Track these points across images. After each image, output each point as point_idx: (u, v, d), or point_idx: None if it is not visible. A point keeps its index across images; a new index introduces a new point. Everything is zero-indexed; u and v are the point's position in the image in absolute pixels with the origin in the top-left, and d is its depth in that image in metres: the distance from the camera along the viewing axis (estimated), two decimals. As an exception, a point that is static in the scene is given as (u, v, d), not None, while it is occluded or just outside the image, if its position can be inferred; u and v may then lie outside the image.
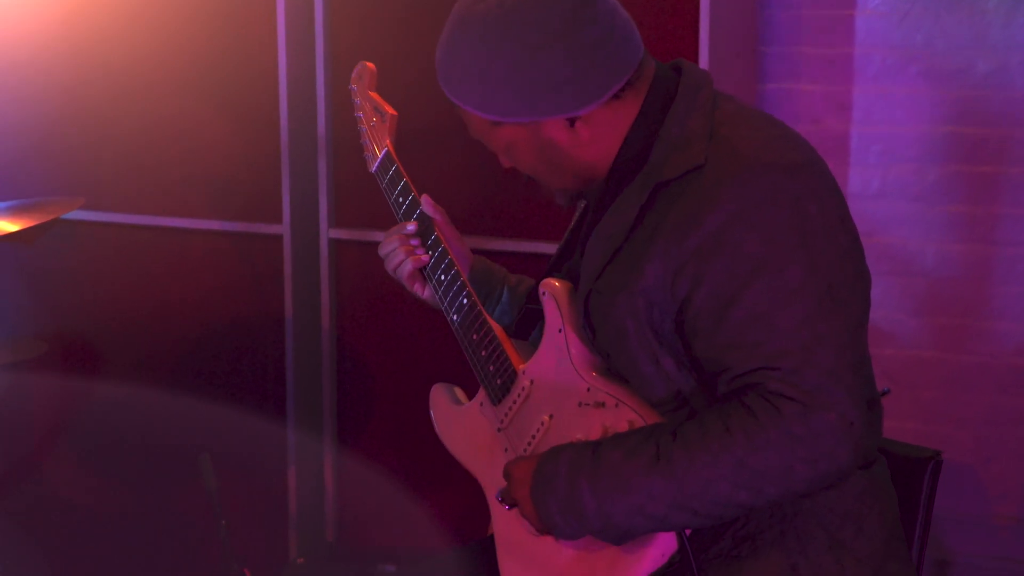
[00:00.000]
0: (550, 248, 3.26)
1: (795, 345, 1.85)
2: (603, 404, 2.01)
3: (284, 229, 3.50)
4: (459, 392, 2.31)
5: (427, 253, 2.26)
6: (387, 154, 2.32)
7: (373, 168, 2.35)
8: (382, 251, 2.32)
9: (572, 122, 1.99)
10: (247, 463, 3.61)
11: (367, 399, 3.54)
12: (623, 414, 1.98)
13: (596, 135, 2.01)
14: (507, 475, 2.07)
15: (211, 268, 3.62)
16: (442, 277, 2.23)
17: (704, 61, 3.07)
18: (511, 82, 1.95)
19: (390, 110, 2.32)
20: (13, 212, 2.94)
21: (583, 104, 1.97)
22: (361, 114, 2.37)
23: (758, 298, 1.86)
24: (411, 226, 2.28)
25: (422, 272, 2.28)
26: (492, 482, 2.19)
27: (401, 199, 2.30)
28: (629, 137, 2.01)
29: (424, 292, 2.30)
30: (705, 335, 1.90)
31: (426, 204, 2.27)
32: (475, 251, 2.39)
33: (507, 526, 2.16)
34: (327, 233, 3.48)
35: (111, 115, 3.65)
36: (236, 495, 3.56)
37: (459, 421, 2.27)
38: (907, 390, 3.50)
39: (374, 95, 2.35)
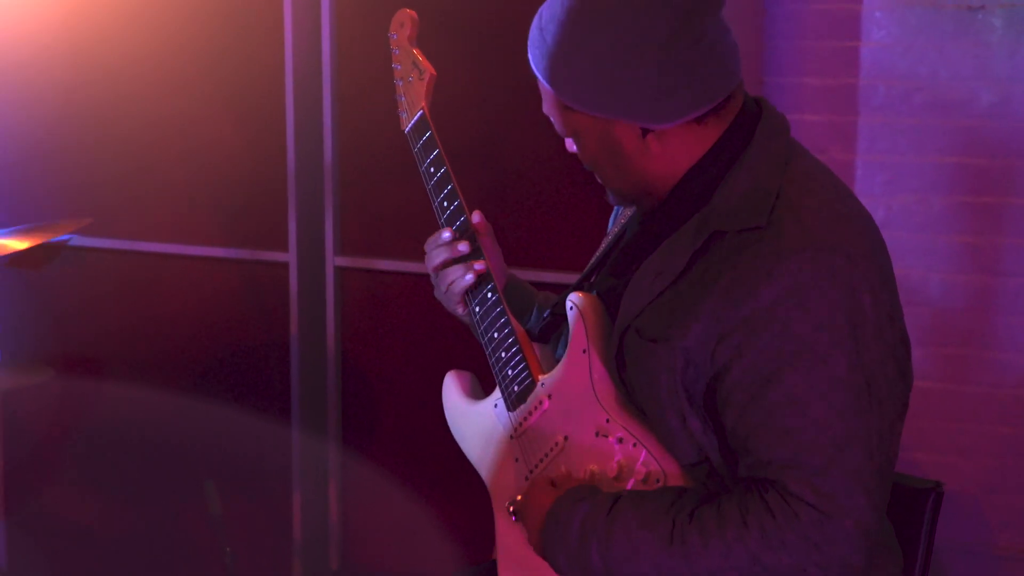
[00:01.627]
0: (567, 278, 3.25)
1: (825, 440, 1.81)
2: (621, 440, 1.98)
3: (290, 257, 3.51)
4: (476, 383, 2.24)
5: (443, 205, 2.14)
6: (422, 116, 2.20)
7: (407, 128, 2.23)
8: (432, 265, 2.17)
9: (645, 133, 1.93)
10: (251, 488, 3.61)
11: (372, 425, 3.54)
12: (640, 455, 1.96)
13: (667, 152, 1.95)
14: (530, 492, 2.05)
15: (218, 295, 3.63)
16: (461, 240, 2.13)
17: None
18: (596, 75, 1.89)
19: (430, 68, 2.19)
20: (20, 235, 2.95)
21: (660, 120, 1.91)
22: (398, 65, 2.24)
23: (798, 382, 1.82)
24: (446, 233, 2.15)
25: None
26: (497, 485, 2.16)
27: (432, 169, 2.17)
28: (699, 165, 1.95)
29: (464, 310, 2.19)
30: (738, 409, 1.86)
31: (476, 219, 2.15)
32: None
33: (511, 538, 2.15)
34: (333, 261, 3.49)
35: (119, 142, 3.67)
36: (240, 520, 3.57)
37: (471, 416, 2.21)
38: (910, 420, 3.48)
39: (414, 49, 2.22)
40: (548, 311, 2.19)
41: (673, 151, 1.95)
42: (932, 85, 3.42)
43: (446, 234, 2.15)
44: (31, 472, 3.91)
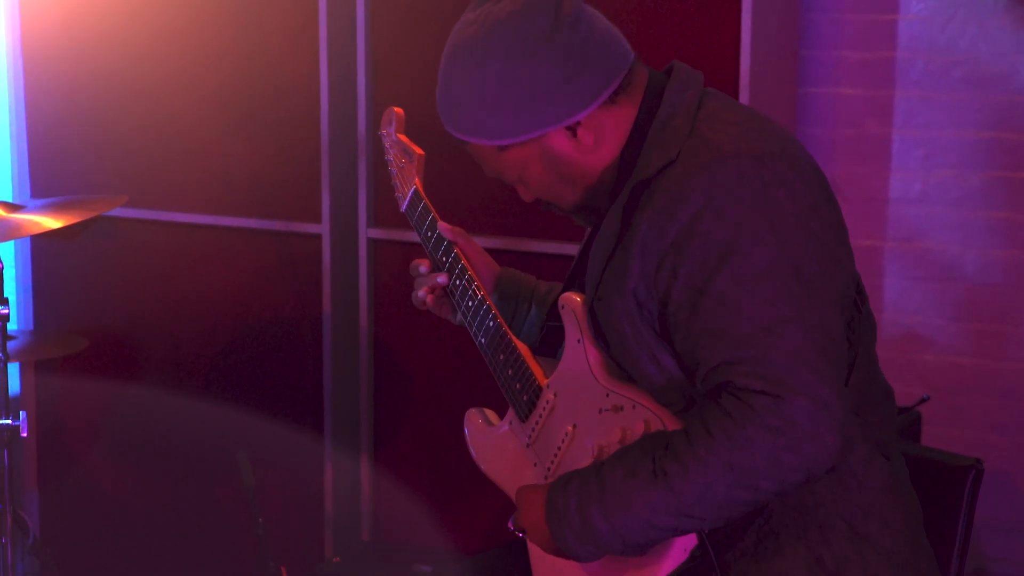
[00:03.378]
0: (564, 248, 3.26)
1: (758, 327, 1.86)
2: (621, 408, 2.03)
3: (323, 228, 3.51)
4: (490, 414, 2.34)
5: (453, 280, 2.30)
6: (415, 192, 2.38)
7: (403, 207, 2.41)
8: (414, 296, 2.37)
9: (574, 131, 2.02)
10: (284, 461, 3.62)
11: (404, 398, 3.54)
12: (639, 414, 2.00)
13: (599, 139, 2.04)
14: (517, 502, 2.10)
15: (251, 266, 3.63)
16: (469, 304, 2.27)
17: (745, 65, 3.07)
18: (505, 99, 2.00)
19: (418, 150, 2.38)
20: (56, 209, 2.96)
21: (578, 108, 2.00)
22: (391, 157, 2.44)
23: (725, 283, 1.88)
24: (442, 278, 2.31)
25: (450, 300, 2.33)
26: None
27: (429, 233, 2.34)
28: (628, 142, 2.04)
29: (455, 318, 2.35)
30: (682, 328, 1.93)
31: (442, 229, 2.31)
32: (490, 251, 2.41)
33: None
34: (366, 233, 3.49)
35: (155, 114, 3.67)
36: (272, 493, 3.58)
37: (491, 442, 2.29)
38: (946, 396, 3.49)
39: (403, 137, 2.41)
40: (543, 325, 2.27)
41: (605, 136, 2.04)
42: (971, 59, 3.40)
43: (422, 268, 2.34)
44: (64, 442, 3.93)
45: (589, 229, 2.25)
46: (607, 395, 2.05)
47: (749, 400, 1.85)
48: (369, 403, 3.56)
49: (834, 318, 1.92)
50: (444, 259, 2.31)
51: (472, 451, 2.34)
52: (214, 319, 3.69)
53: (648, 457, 1.92)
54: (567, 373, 2.12)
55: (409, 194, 2.39)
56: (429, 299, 2.32)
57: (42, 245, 3.85)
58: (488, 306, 2.24)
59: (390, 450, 3.57)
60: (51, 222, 2.87)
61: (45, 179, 3.82)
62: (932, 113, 3.45)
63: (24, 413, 2.78)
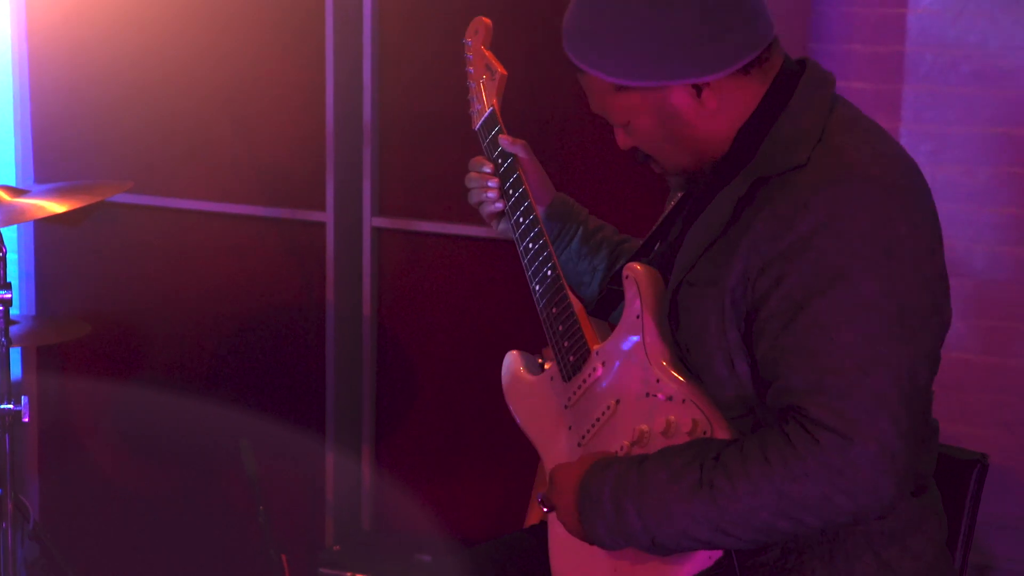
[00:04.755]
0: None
1: (850, 363, 1.80)
2: (671, 398, 1.99)
3: (327, 216, 3.50)
4: (534, 361, 2.29)
5: (508, 192, 2.27)
6: (492, 113, 2.31)
7: (476, 125, 2.35)
8: (467, 184, 2.35)
9: (699, 91, 1.94)
10: (285, 449, 3.61)
11: (407, 388, 3.53)
12: (688, 411, 1.96)
13: (722, 107, 1.96)
14: (551, 479, 2.06)
15: (254, 254, 3.62)
16: (530, 245, 2.22)
17: (754, 56, 3.05)
18: (642, 42, 1.91)
19: (501, 69, 2.31)
20: (60, 194, 2.95)
21: (713, 69, 1.92)
22: (472, 69, 2.36)
23: (828, 307, 1.82)
24: (486, 167, 2.29)
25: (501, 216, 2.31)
26: (550, 456, 2.18)
27: (500, 160, 2.29)
28: (750, 121, 1.97)
29: (497, 227, 2.32)
30: (770, 337, 1.86)
31: (503, 141, 2.28)
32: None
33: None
34: (370, 221, 3.47)
35: (160, 100, 3.66)
36: (274, 481, 3.57)
37: (529, 390, 2.24)
38: (953, 392, 3.47)
39: (487, 52, 2.34)
40: (604, 287, 2.22)
41: (727, 106, 1.96)
42: (980, 54, 3.38)
43: (485, 167, 2.31)
44: (65, 428, 3.92)
45: (675, 197, 2.19)
46: (657, 380, 2.00)
47: (817, 434, 1.80)
48: (371, 393, 3.55)
49: (925, 367, 1.88)
50: (511, 192, 2.26)
51: (507, 394, 2.29)
52: (217, 307, 3.68)
53: (696, 465, 1.88)
54: (619, 346, 2.07)
55: (486, 114, 2.32)
56: (486, 208, 2.31)
57: (46, 230, 3.84)
58: (548, 253, 2.18)
59: (392, 440, 3.56)
60: (55, 207, 2.87)
61: (49, 164, 3.81)
62: (941, 108, 3.43)
63: (26, 398, 2.78)
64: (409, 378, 3.53)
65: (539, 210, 2.27)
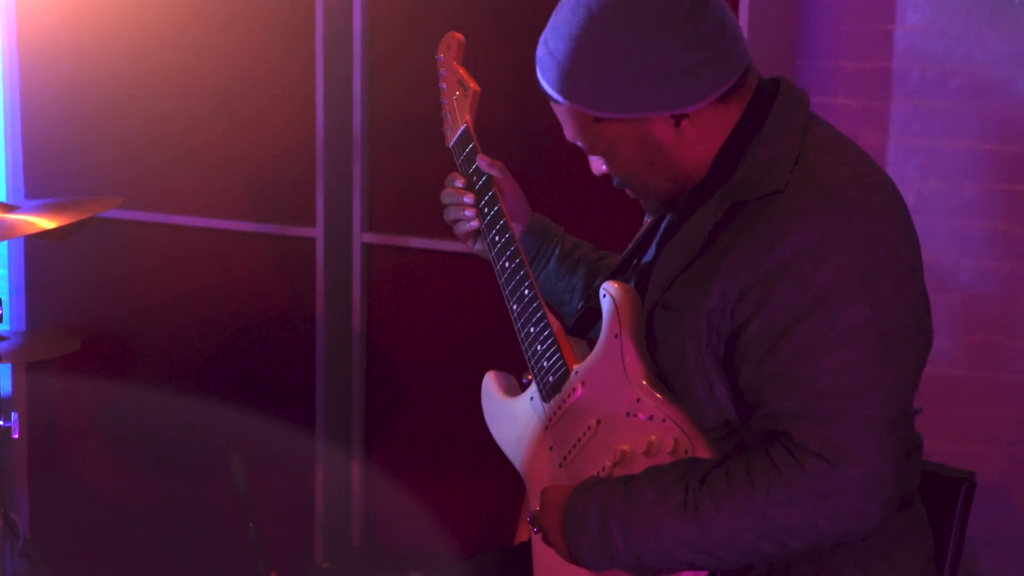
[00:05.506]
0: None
1: (836, 389, 1.81)
2: (652, 417, 1.98)
3: (317, 232, 3.50)
4: (513, 381, 2.28)
5: (483, 211, 2.25)
6: (465, 130, 2.28)
7: (450, 143, 2.32)
8: (443, 200, 2.33)
9: (679, 121, 1.93)
10: (275, 464, 3.61)
11: (396, 403, 3.54)
12: (669, 430, 1.96)
13: (701, 136, 1.95)
14: (542, 500, 2.05)
15: (244, 269, 3.63)
16: (506, 264, 2.20)
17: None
18: (625, 74, 1.90)
19: (474, 85, 2.28)
20: (51, 209, 2.96)
21: (693, 100, 1.92)
22: (444, 85, 2.33)
23: (812, 333, 1.82)
24: (459, 181, 2.27)
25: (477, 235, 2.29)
26: (532, 478, 2.17)
27: (475, 178, 2.27)
28: (725, 146, 1.96)
29: (474, 247, 2.30)
30: (753, 363, 1.86)
31: (481, 162, 2.25)
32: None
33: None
34: (360, 237, 3.48)
35: (150, 116, 3.66)
36: (263, 496, 3.57)
37: (508, 411, 2.24)
38: (939, 407, 3.48)
39: (459, 68, 2.31)
40: (582, 304, 2.22)
41: (707, 134, 1.96)
42: (968, 70, 3.39)
43: (458, 182, 2.28)
44: (55, 444, 3.91)
45: (648, 219, 2.19)
46: (638, 400, 2.00)
47: (802, 460, 1.80)
48: (361, 407, 3.56)
49: (910, 390, 1.88)
50: (486, 210, 2.24)
51: (486, 415, 2.28)
52: (207, 322, 3.68)
53: (681, 485, 1.88)
54: (598, 365, 2.06)
55: (460, 130, 2.29)
56: (462, 227, 2.28)
57: (36, 246, 3.84)
58: (525, 272, 2.16)
59: (382, 455, 3.57)
60: (45, 223, 2.87)
61: (40, 180, 3.81)
62: (928, 123, 3.44)
63: (16, 414, 2.79)
64: (399, 392, 3.53)
65: (516, 228, 2.26)
